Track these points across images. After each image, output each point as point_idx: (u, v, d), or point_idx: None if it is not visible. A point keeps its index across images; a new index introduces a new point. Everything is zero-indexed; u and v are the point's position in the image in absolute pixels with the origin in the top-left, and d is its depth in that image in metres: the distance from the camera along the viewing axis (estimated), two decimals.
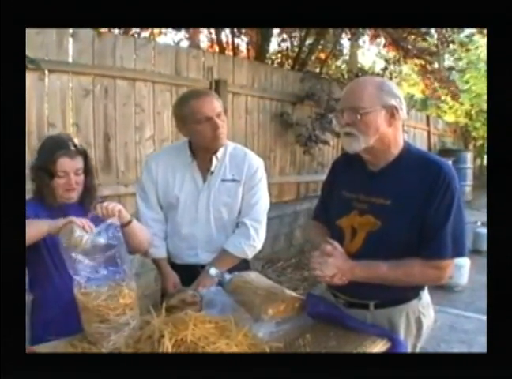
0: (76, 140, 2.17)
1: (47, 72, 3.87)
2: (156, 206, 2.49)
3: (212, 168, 2.41)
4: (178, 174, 2.44)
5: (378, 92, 1.82)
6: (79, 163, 2.12)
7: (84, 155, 2.16)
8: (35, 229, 1.92)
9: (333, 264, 1.86)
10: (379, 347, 1.83)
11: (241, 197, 2.46)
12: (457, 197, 1.81)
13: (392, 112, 1.83)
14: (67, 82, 4.05)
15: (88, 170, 2.18)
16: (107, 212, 1.97)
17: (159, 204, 2.50)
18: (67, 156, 2.07)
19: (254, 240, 2.43)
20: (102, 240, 1.85)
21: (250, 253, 2.46)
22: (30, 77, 3.72)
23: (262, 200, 2.50)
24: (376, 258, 1.85)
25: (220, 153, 2.42)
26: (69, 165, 2.07)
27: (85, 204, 2.18)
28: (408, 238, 1.84)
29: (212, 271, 2.24)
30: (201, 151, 2.41)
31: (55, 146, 2.10)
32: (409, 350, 1.97)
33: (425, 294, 2.02)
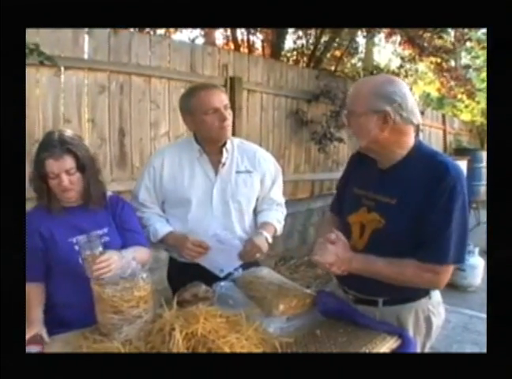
0: (68, 137, 2.04)
1: (62, 68, 3.90)
2: (152, 202, 2.52)
3: (223, 160, 2.44)
4: (187, 170, 2.45)
5: (370, 96, 1.80)
6: (67, 162, 2.00)
7: (74, 154, 2.02)
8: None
9: (333, 252, 1.85)
10: (389, 344, 1.83)
11: (259, 188, 2.54)
12: (462, 202, 1.75)
13: (384, 118, 1.79)
14: (83, 79, 4.08)
15: (82, 168, 2.05)
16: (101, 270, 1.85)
17: (157, 200, 2.52)
18: (51, 158, 1.97)
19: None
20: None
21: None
22: (46, 74, 3.78)
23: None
24: (380, 256, 1.84)
25: (228, 146, 2.46)
26: (55, 166, 1.98)
27: (90, 205, 2.13)
28: (412, 238, 1.81)
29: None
30: (209, 144, 2.44)
31: (41, 148, 2.01)
32: (418, 349, 1.96)
33: (436, 293, 2.00)
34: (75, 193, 2.08)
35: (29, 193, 2.06)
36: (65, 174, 1.99)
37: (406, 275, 1.81)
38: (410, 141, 1.88)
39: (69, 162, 2.00)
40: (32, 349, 1.74)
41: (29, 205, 2.09)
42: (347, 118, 1.92)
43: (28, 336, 1.78)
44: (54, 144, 1.99)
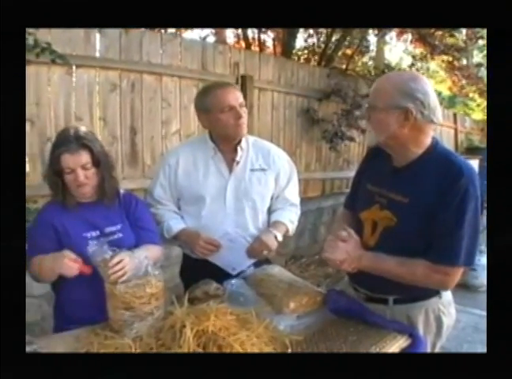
0: (84, 132, 2.06)
1: (74, 67, 3.93)
2: (167, 199, 2.52)
3: (238, 158, 2.44)
4: (201, 168, 2.45)
5: (393, 92, 1.79)
6: (83, 157, 2.00)
7: (90, 149, 2.02)
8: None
9: (344, 249, 1.87)
10: (400, 343, 1.82)
11: (273, 186, 2.54)
12: (474, 204, 1.73)
13: (405, 114, 1.78)
14: (94, 77, 4.11)
15: (97, 163, 2.06)
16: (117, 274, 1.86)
17: (172, 197, 2.52)
18: (68, 152, 1.97)
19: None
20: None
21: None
22: (58, 72, 3.81)
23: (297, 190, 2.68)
24: (390, 254, 1.83)
25: (243, 144, 2.46)
26: (71, 161, 1.98)
27: (104, 200, 2.14)
28: (423, 238, 1.80)
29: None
30: (223, 142, 2.44)
31: (56, 143, 2.02)
32: (429, 348, 1.95)
33: (446, 293, 1.98)
34: (90, 189, 2.08)
35: (31, 190, 2.07)
36: (81, 169, 2.00)
37: (416, 275, 1.80)
38: (427, 140, 1.87)
39: (84, 157, 2.00)
40: (68, 266, 1.88)
41: (41, 202, 2.11)
42: (367, 113, 1.92)
43: (59, 260, 1.90)
44: (70, 139, 1.99)
